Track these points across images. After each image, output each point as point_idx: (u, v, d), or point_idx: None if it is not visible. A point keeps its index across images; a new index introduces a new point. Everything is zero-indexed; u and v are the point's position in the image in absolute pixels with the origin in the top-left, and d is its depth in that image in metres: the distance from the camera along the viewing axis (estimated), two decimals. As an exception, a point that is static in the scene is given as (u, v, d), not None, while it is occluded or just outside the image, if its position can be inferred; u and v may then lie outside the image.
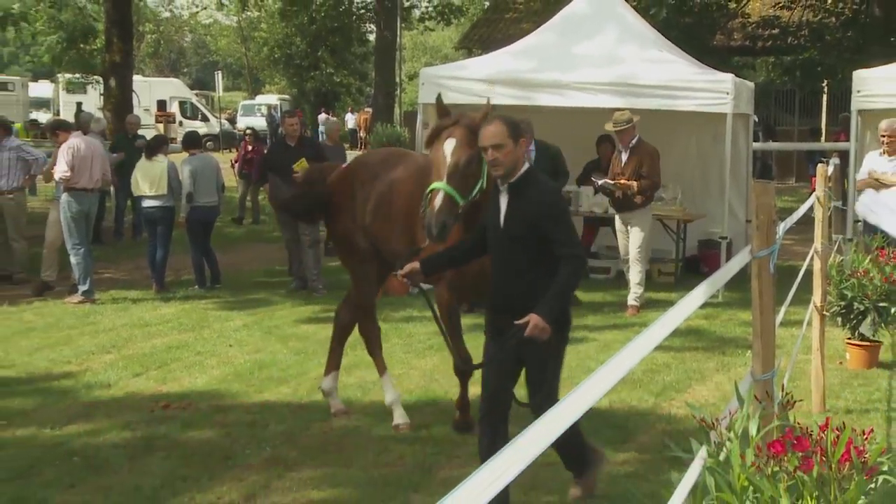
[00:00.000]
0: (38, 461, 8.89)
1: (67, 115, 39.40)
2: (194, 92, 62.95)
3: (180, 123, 52.12)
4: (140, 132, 23.90)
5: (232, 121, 61.32)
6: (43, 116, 56.62)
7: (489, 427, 7.38)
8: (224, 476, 8.62)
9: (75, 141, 16.20)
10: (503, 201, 7.19)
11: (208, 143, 46.43)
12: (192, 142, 17.55)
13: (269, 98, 66.51)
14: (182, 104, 56.71)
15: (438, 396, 10.95)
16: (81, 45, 49.54)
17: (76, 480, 8.51)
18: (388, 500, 8.09)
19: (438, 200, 7.60)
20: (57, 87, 59.52)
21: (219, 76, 54.43)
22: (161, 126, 25.98)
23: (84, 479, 8.53)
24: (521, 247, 7.15)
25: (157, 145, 17.26)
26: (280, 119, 17.22)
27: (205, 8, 70.59)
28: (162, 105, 55.43)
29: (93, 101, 45.52)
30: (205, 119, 55.97)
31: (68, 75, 55.13)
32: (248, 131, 29.36)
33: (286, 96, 67.01)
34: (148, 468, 8.78)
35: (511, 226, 7.16)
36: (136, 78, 37.70)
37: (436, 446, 9.24)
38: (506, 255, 7.24)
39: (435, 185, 7.69)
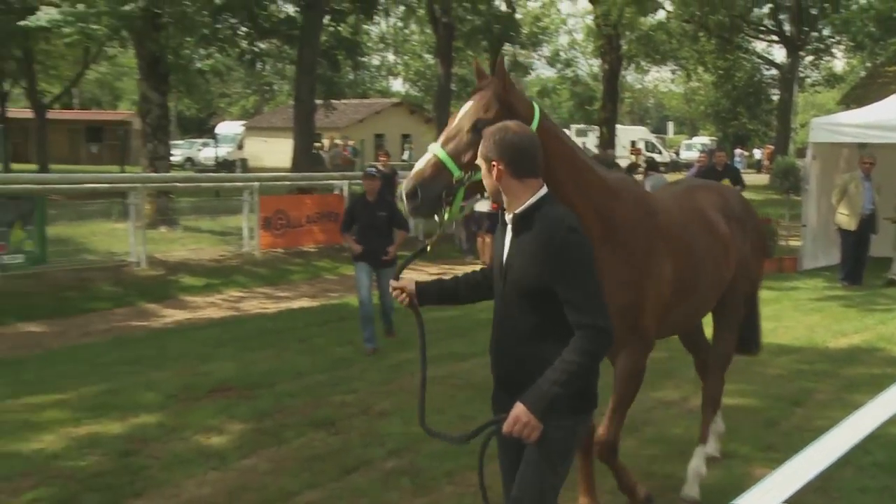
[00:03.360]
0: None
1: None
2: (654, 135, 62.61)
3: (651, 157, 52.79)
4: (617, 160, 24.36)
5: (677, 153, 60.82)
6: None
7: None
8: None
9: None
10: (507, 237, 3.51)
11: (661, 168, 46.54)
12: (652, 165, 17.72)
13: (703, 139, 65.05)
14: (646, 143, 56.76)
15: (818, 343, 9.50)
16: (586, 107, 52.80)
17: None
18: None
19: (421, 163, 3.88)
20: (571, 133, 61.15)
21: (670, 125, 54.69)
22: (634, 157, 26.74)
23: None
24: (525, 302, 3.41)
25: (648, 167, 17.02)
26: (711, 152, 17.11)
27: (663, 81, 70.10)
28: (633, 143, 56.01)
29: (591, 142, 46.57)
30: (659, 152, 55.60)
31: (577, 126, 56.92)
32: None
33: (714, 138, 65.41)
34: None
35: (512, 272, 3.45)
36: (618, 126, 38.51)
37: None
38: (507, 310, 3.49)
39: (430, 146, 3.95)
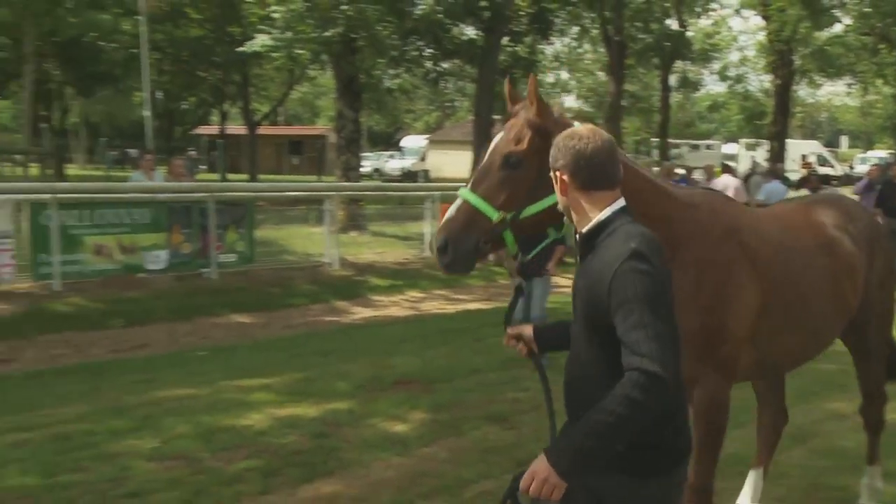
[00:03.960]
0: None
1: (743, 165, 39.14)
2: (826, 149, 59.38)
3: (815, 170, 50.09)
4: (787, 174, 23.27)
5: (851, 167, 57.37)
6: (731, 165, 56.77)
7: None
8: None
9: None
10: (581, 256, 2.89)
11: (833, 182, 44.07)
12: (823, 181, 16.95)
13: (879, 153, 61.16)
14: (817, 157, 53.94)
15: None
16: (756, 121, 50.56)
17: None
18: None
19: (451, 211, 3.26)
20: (740, 147, 58.83)
21: (843, 139, 51.75)
22: (804, 171, 25.34)
23: None
24: (593, 337, 2.77)
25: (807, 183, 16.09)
26: (887, 165, 16.06)
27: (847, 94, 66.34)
28: (803, 157, 53.36)
29: (761, 155, 44.69)
30: (831, 166, 52.65)
31: (746, 140, 54.73)
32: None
33: (893, 151, 61.44)
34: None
35: (577, 301, 2.86)
36: (788, 140, 36.82)
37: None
38: (576, 345, 2.90)
39: (460, 191, 3.32)
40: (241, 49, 20.87)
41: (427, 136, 57.29)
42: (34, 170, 37.39)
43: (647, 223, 3.40)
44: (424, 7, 20.31)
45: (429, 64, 24.78)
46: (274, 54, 20.23)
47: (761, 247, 3.85)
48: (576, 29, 36.39)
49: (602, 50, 37.47)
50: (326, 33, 18.19)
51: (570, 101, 69.49)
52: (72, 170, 42.76)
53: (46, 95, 39.51)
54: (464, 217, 3.21)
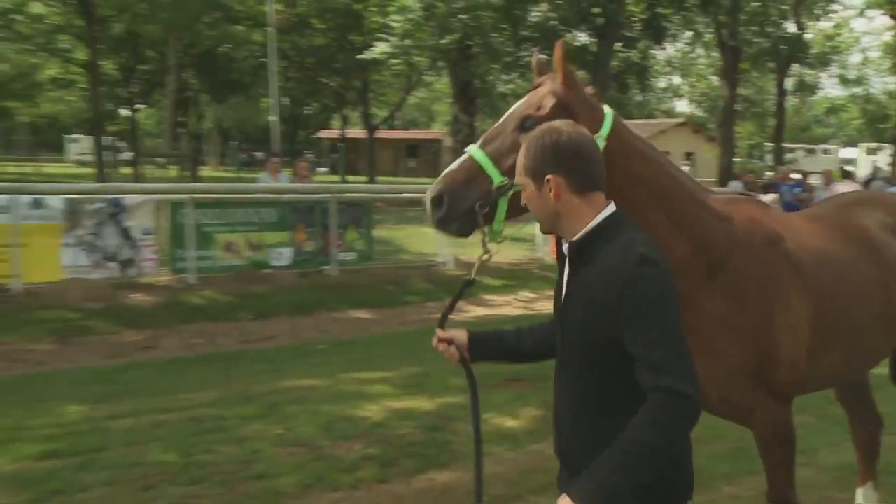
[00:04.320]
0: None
1: (863, 170, 37.46)
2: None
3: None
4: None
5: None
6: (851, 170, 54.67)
7: None
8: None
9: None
10: (565, 272, 2.43)
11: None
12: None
13: None
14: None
15: None
16: (878, 125, 48.35)
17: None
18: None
19: (453, 165, 2.85)
20: (860, 151, 56.35)
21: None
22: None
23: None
24: (587, 361, 2.33)
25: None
26: None
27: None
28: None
29: (884, 160, 42.59)
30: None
31: (867, 144, 52.30)
32: None
33: None
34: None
35: (569, 320, 2.38)
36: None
37: None
38: (566, 371, 2.43)
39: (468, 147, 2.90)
40: (361, 56, 21.30)
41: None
42: (173, 171, 39.14)
43: (673, 233, 3.07)
44: (539, 14, 20.25)
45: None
46: (392, 61, 20.57)
47: (804, 256, 3.37)
48: (689, 34, 35.61)
49: (716, 54, 36.53)
50: (443, 40, 18.37)
51: (683, 106, 68.04)
52: (205, 171, 44.52)
53: (185, 103, 41.37)
54: (466, 172, 2.80)
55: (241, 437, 6.05)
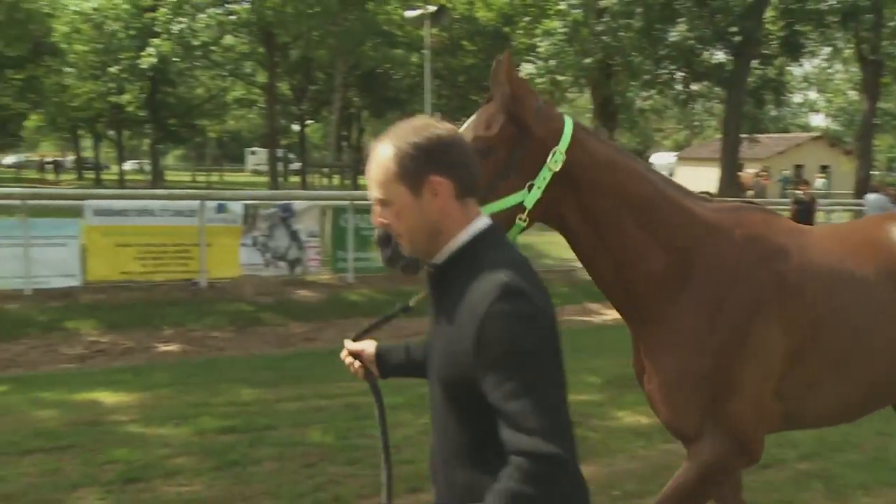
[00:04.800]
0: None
1: None
2: None
3: None
4: None
5: None
6: None
7: None
8: None
9: None
10: (433, 298, 1.90)
11: None
12: None
13: None
14: None
15: None
16: None
17: None
18: None
19: None
20: None
21: None
22: None
23: None
24: (454, 405, 1.82)
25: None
26: None
27: None
28: None
29: None
30: None
31: None
32: None
33: None
34: None
35: (432, 357, 1.90)
36: None
37: None
38: (435, 411, 1.93)
39: None
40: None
41: (676, 153, 55.44)
42: (336, 180, 40.47)
43: (647, 244, 2.66)
44: (677, 34, 19.65)
45: (679, 86, 23.95)
46: (537, 80, 20.47)
47: (807, 277, 2.80)
48: (827, 49, 33.64)
49: (854, 69, 34.34)
50: (586, 60, 18.14)
51: (818, 120, 64.41)
52: (365, 181, 45.76)
53: (348, 119, 42.76)
54: None
55: (392, 423, 6.08)
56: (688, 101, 25.53)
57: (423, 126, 1.84)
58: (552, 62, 18.80)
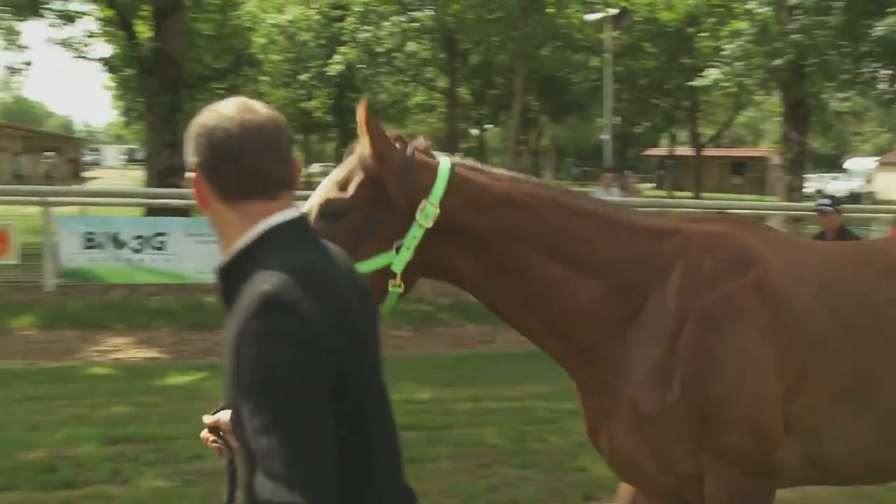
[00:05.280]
0: None
1: None
2: None
3: None
4: None
5: None
6: None
7: None
8: None
9: None
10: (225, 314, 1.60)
11: None
12: None
13: None
14: None
15: None
16: None
17: None
18: None
19: None
20: None
21: None
22: None
23: None
24: (239, 428, 1.47)
25: None
26: None
27: None
28: None
29: None
30: None
31: None
32: None
33: None
34: None
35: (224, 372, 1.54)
36: None
37: None
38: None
39: None
40: (691, 83, 20.64)
41: (876, 158, 51.34)
42: (512, 184, 40.46)
43: (576, 279, 2.38)
44: (884, 28, 18.20)
45: (883, 85, 22.16)
46: (723, 83, 19.70)
47: (794, 292, 2.43)
48: None
49: None
50: (775, 62, 17.25)
51: None
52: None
53: (527, 123, 43.00)
54: None
55: (567, 429, 6.13)
56: (892, 102, 23.60)
57: (212, 109, 1.60)
58: (738, 65, 17.98)
